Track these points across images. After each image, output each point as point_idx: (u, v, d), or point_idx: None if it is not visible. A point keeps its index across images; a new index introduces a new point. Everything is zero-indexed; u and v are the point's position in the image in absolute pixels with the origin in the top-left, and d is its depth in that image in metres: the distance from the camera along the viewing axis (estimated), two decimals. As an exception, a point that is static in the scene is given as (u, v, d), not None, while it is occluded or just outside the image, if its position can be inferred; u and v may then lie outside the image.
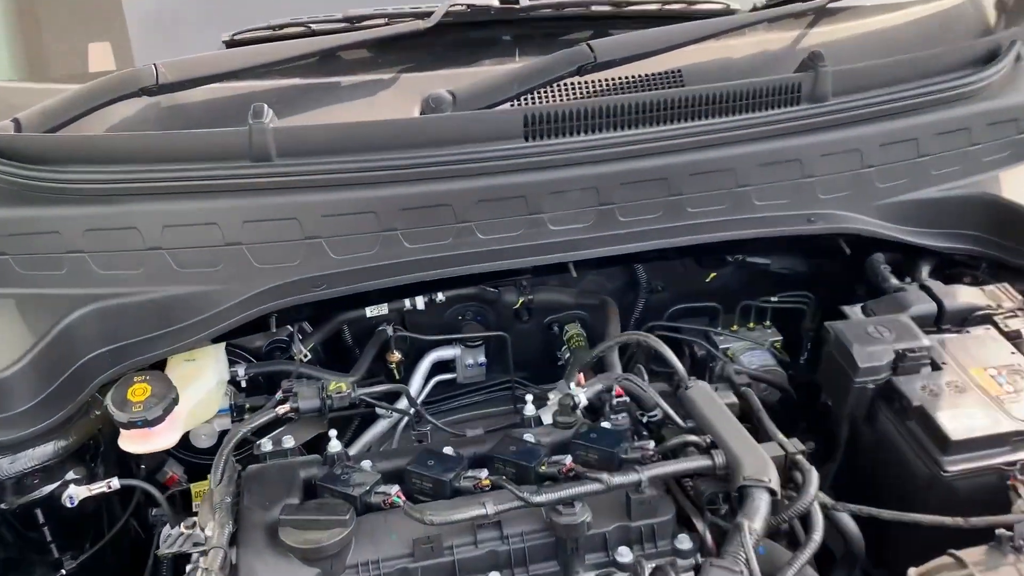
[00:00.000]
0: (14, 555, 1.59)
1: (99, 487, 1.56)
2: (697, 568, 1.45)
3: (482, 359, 2.09)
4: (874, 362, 1.57)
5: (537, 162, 1.64)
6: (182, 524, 1.50)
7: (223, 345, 1.79)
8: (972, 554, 1.34)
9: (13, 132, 1.63)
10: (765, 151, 1.73)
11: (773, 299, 2.13)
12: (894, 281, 1.84)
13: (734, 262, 2.08)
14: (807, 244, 1.95)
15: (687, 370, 2.12)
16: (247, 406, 1.77)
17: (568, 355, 2.08)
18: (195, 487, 1.79)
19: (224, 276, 1.62)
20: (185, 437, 1.71)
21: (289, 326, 1.90)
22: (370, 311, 1.90)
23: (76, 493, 1.55)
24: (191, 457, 1.84)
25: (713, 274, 2.13)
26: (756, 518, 1.34)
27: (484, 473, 1.46)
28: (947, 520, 1.37)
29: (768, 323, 2.18)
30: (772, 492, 1.38)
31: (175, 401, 1.52)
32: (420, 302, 1.92)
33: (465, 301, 2.01)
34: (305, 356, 1.89)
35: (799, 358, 2.17)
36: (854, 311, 1.76)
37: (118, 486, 1.58)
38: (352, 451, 1.90)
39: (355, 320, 1.94)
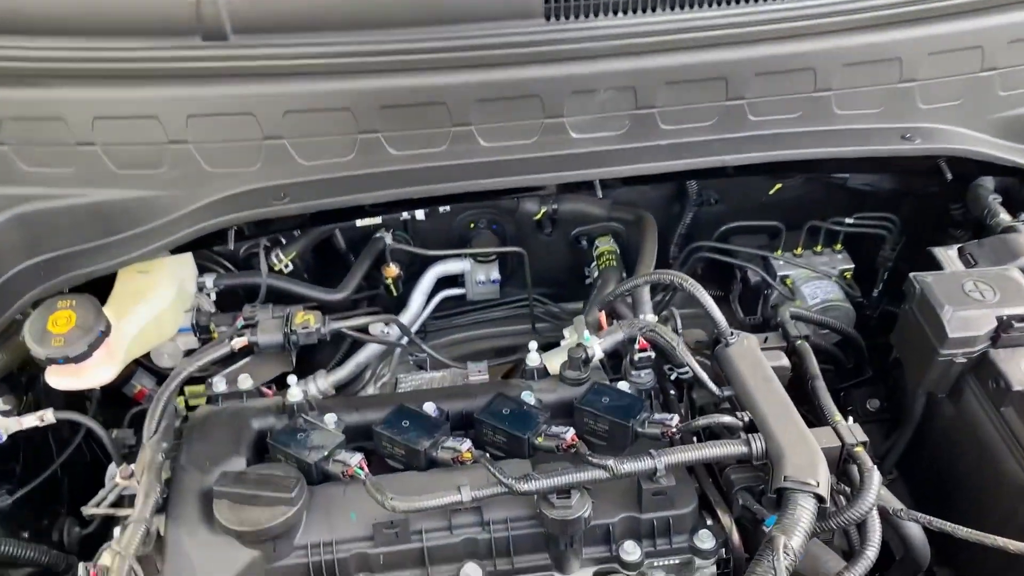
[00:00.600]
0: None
1: (31, 420, 1.35)
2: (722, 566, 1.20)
3: (495, 275, 1.81)
4: (969, 331, 1.24)
5: (559, 51, 1.29)
6: (119, 472, 1.29)
7: (187, 255, 1.53)
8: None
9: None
10: (854, 46, 1.35)
11: (848, 220, 1.77)
12: (1004, 216, 1.47)
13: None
14: (894, 164, 1.57)
15: (737, 298, 1.84)
16: (212, 326, 1.53)
17: (596, 274, 1.78)
18: (191, 390, 1.56)
19: (169, 180, 1.34)
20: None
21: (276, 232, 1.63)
22: (361, 223, 1.61)
23: (5, 426, 1.34)
24: (161, 369, 1.62)
25: (778, 185, 1.78)
26: (795, 531, 1.06)
27: (466, 445, 1.20)
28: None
29: (839, 247, 1.83)
30: (820, 499, 1.09)
31: (104, 334, 1.27)
32: (420, 213, 1.62)
33: (478, 208, 1.71)
34: (286, 266, 1.63)
35: (872, 292, 1.83)
36: (948, 255, 1.41)
37: (53, 420, 1.36)
38: (342, 373, 1.67)
39: (347, 229, 1.66)
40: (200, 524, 1.15)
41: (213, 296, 1.58)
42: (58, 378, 1.30)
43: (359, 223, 1.62)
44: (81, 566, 1.14)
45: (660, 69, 1.31)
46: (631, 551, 1.16)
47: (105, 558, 1.10)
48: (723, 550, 1.20)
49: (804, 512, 1.08)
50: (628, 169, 1.37)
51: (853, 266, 1.81)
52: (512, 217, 1.76)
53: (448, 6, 1.26)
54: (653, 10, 1.28)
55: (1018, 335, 1.24)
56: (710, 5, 1.28)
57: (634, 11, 1.28)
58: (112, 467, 1.39)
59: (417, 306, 1.75)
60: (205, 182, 1.34)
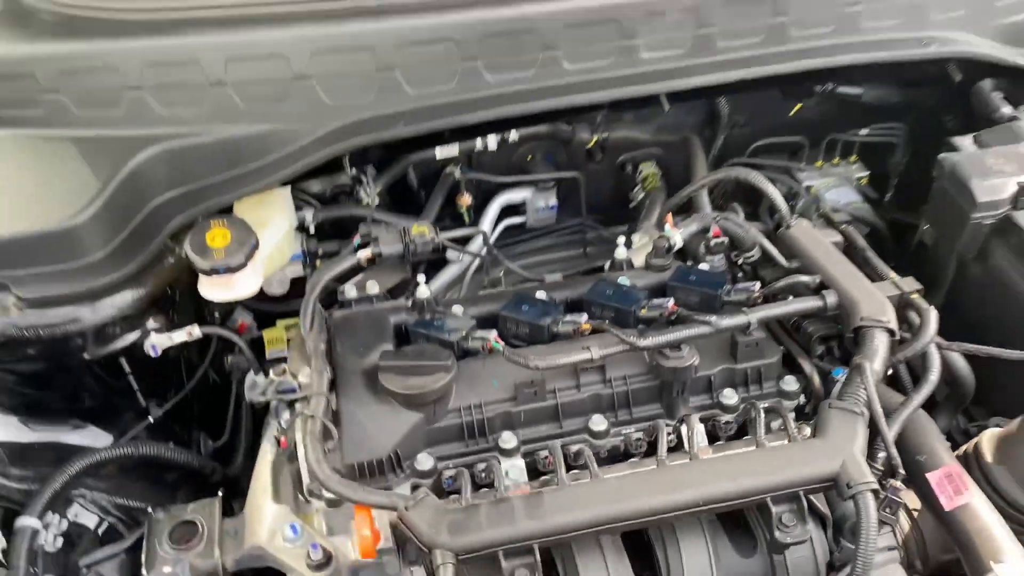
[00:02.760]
0: (101, 404, 1.57)
1: (180, 335, 1.52)
2: (803, 408, 1.42)
3: (553, 201, 2.01)
4: (995, 196, 1.48)
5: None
6: (271, 370, 1.46)
7: (289, 189, 1.70)
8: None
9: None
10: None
11: (862, 132, 2.01)
12: (1006, 110, 1.71)
13: (822, 92, 1.94)
14: (908, 71, 1.80)
15: (768, 209, 2.05)
16: (320, 252, 1.70)
17: (641, 196, 1.99)
18: (267, 333, 1.75)
19: (293, 114, 1.50)
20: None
21: (355, 168, 1.80)
22: (440, 152, 1.80)
23: (158, 342, 1.51)
24: (258, 305, 1.79)
25: (799, 105, 2.00)
26: (876, 359, 1.28)
27: (584, 317, 1.40)
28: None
29: (854, 159, 2.06)
30: (891, 332, 1.32)
31: (256, 246, 1.44)
32: (493, 141, 1.81)
33: (537, 139, 1.90)
34: (373, 200, 1.81)
35: (884, 196, 2.07)
36: (965, 142, 1.64)
37: (199, 334, 1.53)
38: (439, 283, 1.85)
39: (422, 162, 1.84)
40: (367, 396, 1.34)
41: (312, 229, 1.75)
42: (212, 290, 1.46)
43: (438, 154, 1.80)
44: (269, 435, 1.32)
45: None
46: (729, 396, 1.38)
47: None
48: (804, 393, 1.42)
49: (881, 343, 1.30)
50: (691, 81, 1.58)
51: (868, 172, 2.05)
52: (566, 148, 1.95)
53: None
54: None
55: (1035, 198, 1.48)
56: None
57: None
58: (251, 375, 1.56)
59: (487, 230, 1.94)
60: (325, 114, 1.51)
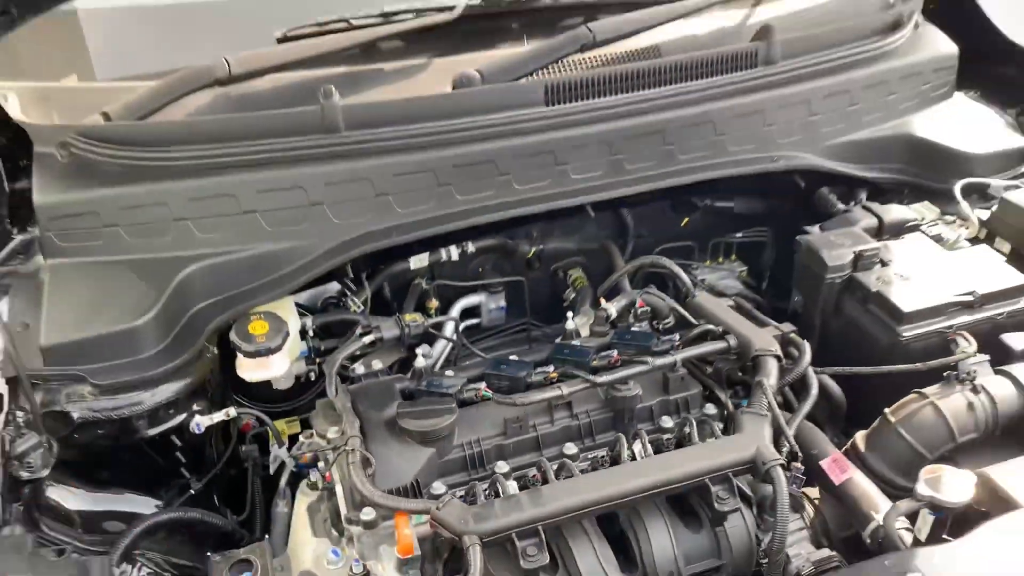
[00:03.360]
0: (151, 478, 1.85)
1: (219, 415, 1.84)
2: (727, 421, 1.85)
3: (503, 303, 2.44)
4: (839, 261, 2.00)
5: (559, 122, 2.00)
6: (301, 435, 1.80)
7: (292, 299, 2.08)
8: (930, 390, 1.77)
9: (104, 123, 1.89)
10: (734, 106, 2.14)
11: (738, 235, 2.56)
12: (841, 206, 2.28)
13: (703, 207, 2.50)
14: (767, 184, 2.37)
15: (674, 287, 2.56)
16: (322, 348, 2.07)
17: (573, 295, 2.46)
18: (280, 424, 2.07)
19: (309, 232, 1.91)
20: (251, 387, 2.01)
21: (340, 282, 2.20)
22: (414, 262, 2.22)
23: (201, 422, 1.82)
24: (257, 407, 2.11)
25: (687, 219, 2.54)
26: (770, 377, 1.74)
27: (551, 368, 1.82)
28: (909, 367, 1.81)
29: (734, 257, 2.60)
30: (779, 358, 1.79)
31: (288, 333, 1.81)
32: (455, 252, 2.25)
33: (488, 252, 2.36)
34: (358, 307, 2.20)
35: (761, 285, 2.60)
36: (815, 229, 2.19)
37: (235, 414, 1.86)
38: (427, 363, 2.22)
39: (398, 274, 2.25)
40: (390, 439, 1.69)
41: (312, 332, 2.12)
42: (251, 371, 1.81)
43: (412, 264, 2.22)
44: (314, 472, 1.65)
45: (623, 128, 2.04)
46: (667, 421, 1.80)
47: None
48: (720, 418, 1.85)
49: (772, 366, 1.76)
50: (609, 193, 2.08)
51: (746, 267, 2.59)
52: (510, 259, 2.41)
53: (489, 102, 1.96)
54: (615, 93, 2.03)
55: (867, 262, 2.01)
56: (648, 87, 2.05)
57: (603, 95, 2.03)
58: (274, 448, 1.88)
59: (450, 329, 2.35)
60: (334, 231, 1.92)
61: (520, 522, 1.49)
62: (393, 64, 2.15)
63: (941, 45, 2.44)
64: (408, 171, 1.94)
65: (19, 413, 1.64)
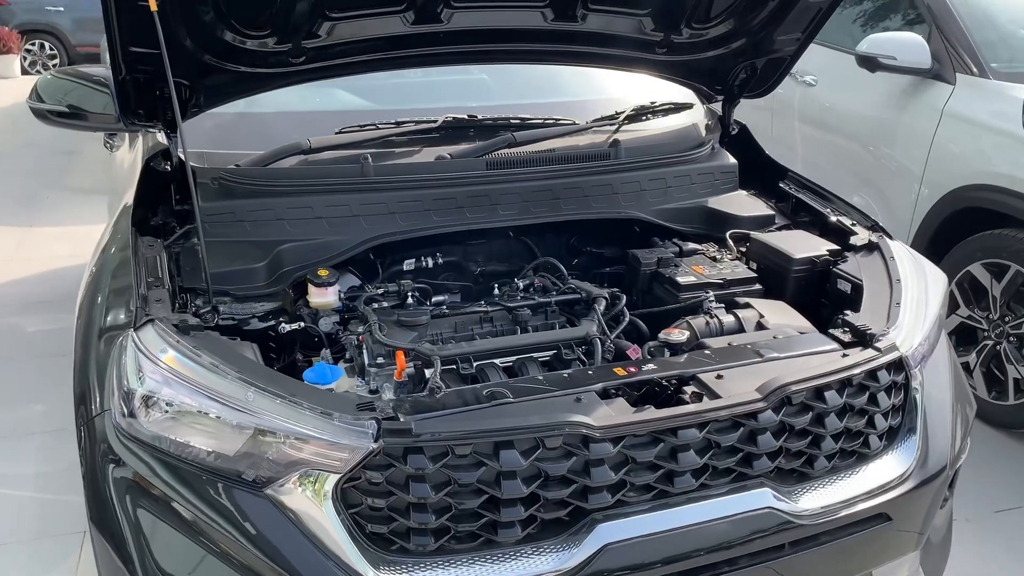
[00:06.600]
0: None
1: (294, 325, 3.25)
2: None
3: (458, 298, 3.91)
4: (650, 260, 3.54)
5: (494, 179, 3.58)
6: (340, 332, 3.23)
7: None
8: (689, 318, 3.27)
9: (236, 167, 3.44)
10: (595, 180, 3.74)
11: (607, 269, 4.09)
12: (659, 241, 3.84)
13: (584, 251, 4.04)
14: (620, 236, 3.93)
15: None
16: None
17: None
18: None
19: (349, 231, 3.41)
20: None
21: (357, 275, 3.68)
22: (406, 265, 3.71)
23: (285, 327, 3.23)
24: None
25: (576, 260, 4.08)
26: (601, 307, 3.22)
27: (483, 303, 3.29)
28: (677, 304, 3.31)
29: (605, 284, 4.11)
30: (606, 299, 3.28)
31: (339, 277, 3.27)
32: (430, 261, 3.74)
33: (450, 267, 3.85)
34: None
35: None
36: (642, 251, 3.74)
37: (302, 326, 3.28)
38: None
39: (396, 272, 3.72)
40: (393, 329, 3.13)
41: (342, 295, 3.57)
42: (316, 297, 3.24)
43: (404, 267, 3.71)
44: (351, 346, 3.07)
45: (532, 186, 3.62)
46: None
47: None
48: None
49: (601, 304, 3.25)
50: (525, 220, 3.62)
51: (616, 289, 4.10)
52: (464, 274, 3.90)
53: (454, 167, 3.55)
54: (527, 166, 3.62)
55: (666, 263, 3.55)
56: (546, 165, 3.64)
57: (520, 167, 3.62)
58: (325, 351, 3.29)
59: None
60: (362, 230, 3.41)
61: (462, 352, 2.92)
62: (400, 148, 3.75)
63: (727, 160, 4.11)
64: (407, 200, 3.48)
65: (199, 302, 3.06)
